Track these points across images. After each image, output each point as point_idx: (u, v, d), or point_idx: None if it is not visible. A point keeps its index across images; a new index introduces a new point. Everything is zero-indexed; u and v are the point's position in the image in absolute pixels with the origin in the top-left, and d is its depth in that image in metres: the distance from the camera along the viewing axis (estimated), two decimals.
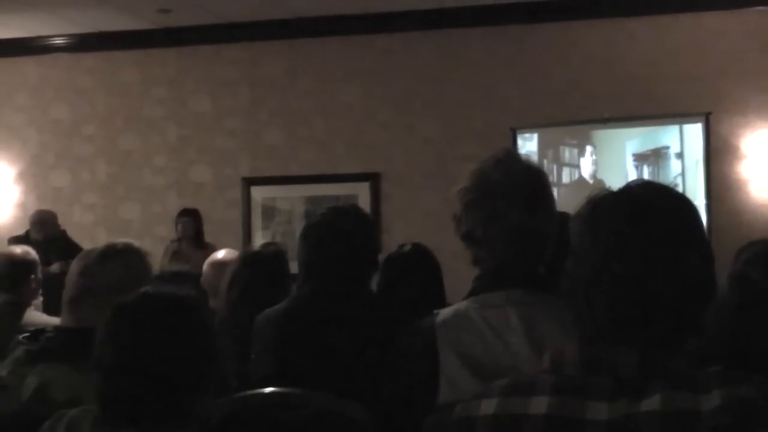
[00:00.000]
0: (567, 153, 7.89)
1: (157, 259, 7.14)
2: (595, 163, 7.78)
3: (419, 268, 3.67)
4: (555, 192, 2.16)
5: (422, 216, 8.08)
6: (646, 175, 7.54)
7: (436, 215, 7.84)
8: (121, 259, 2.36)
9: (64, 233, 7.79)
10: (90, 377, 1.83)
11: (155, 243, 7.69)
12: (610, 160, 7.73)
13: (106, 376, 1.78)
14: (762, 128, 7.63)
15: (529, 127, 7.89)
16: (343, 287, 2.67)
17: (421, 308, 2.30)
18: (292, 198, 8.57)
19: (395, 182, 8.33)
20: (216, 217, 8.44)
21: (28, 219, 7.92)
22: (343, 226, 2.70)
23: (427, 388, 1.82)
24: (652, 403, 1.24)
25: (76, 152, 9.05)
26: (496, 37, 8.13)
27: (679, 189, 6.32)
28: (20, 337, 2.33)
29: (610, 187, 1.43)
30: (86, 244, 5.81)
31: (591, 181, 7.74)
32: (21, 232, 7.94)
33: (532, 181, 1.94)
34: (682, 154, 7.58)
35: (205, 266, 4.22)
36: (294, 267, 2.94)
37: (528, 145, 7.88)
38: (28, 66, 9.13)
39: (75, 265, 2.36)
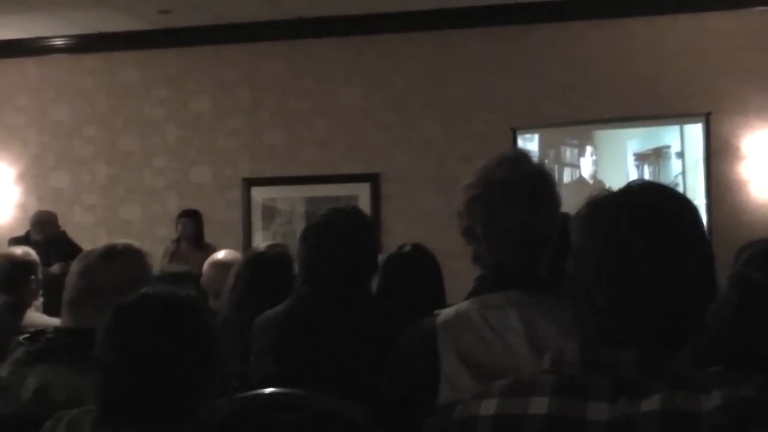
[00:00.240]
0: (568, 153, 7.89)
1: (158, 260, 7.14)
2: (596, 163, 7.78)
3: (419, 269, 3.67)
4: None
5: (422, 216, 8.08)
6: (646, 175, 7.53)
7: (436, 216, 7.85)
8: (122, 259, 2.36)
9: (64, 234, 7.78)
10: (90, 378, 1.82)
11: (155, 244, 7.69)
12: (611, 159, 7.73)
13: (106, 377, 1.78)
14: (762, 128, 7.63)
15: (530, 127, 7.89)
16: (342, 289, 2.67)
17: (421, 309, 2.30)
18: (292, 198, 8.58)
19: (395, 183, 8.33)
20: (216, 217, 8.44)
21: (29, 220, 7.91)
22: (343, 227, 2.71)
23: (428, 388, 1.82)
24: (651, 403, 1.24)
25: (76, 153, 9.05)
26: (496, 38, 8.13)
27: (680, 189, 6.34)
28: (20, 338, 2.33)
29: (610, 187, 1.43)
30: (86, 245, 5.81)
31: (591, 182, 7.73)
32: (21, 232, 7.94)
33: (536, 182, 1.94)
34: (682, 153, 7.58)
35: (205, 266, 4.22)
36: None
37: (529, 145, 7.87)
38: (28, 67, 9.13)
39: (75, 266, 2.36)
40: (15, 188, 9.18)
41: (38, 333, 2.33)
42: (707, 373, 1.27)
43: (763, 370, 1.37)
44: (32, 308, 4.10)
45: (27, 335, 2.33)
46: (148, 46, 8.80)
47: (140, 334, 1.77)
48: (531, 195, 1.91)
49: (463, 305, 1.91)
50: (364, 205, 8.00)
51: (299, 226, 2.70)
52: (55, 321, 2.99)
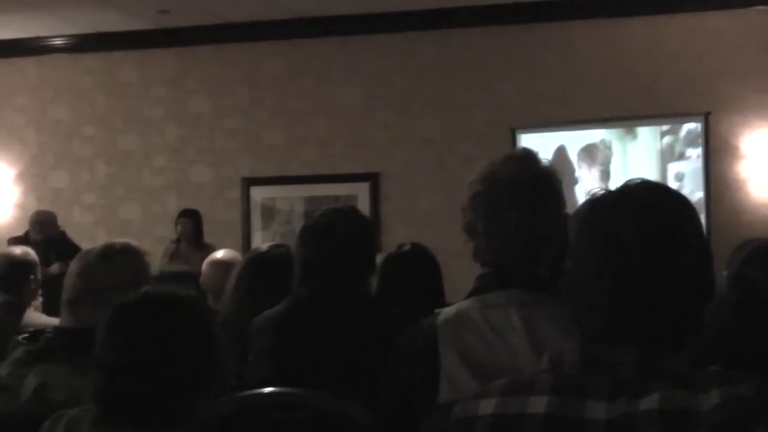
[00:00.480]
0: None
1: (156, 260, 7.14)
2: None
3: (418, 268, 3.67)
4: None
5: (422, 216, 8.08)
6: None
7: (436, 215, 7.85)
8: (120, 259, 2.36)
9: (63, 234, 7.78)
10: (89, 377, 1.82)
11: (155, 243, 7.69)
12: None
13: (105, 376, 1.78)
14: (761, 128, 7.63)
15: (529, 127, 7.89)
16: (340, 288, 2.67)
17: (420, 308, 2.30)
18: (291, 198, 8.58)
19: (395, 182, 8.33)
20: (216, 217, 8.44)
21: (28, 219, 7.91)
22: (340, 227, 2.70)
23: (428, 387, 1.82)
24: (650, 402, 1.24)
25: (75, 153, 9.05)
26: (495, 37, 8.13)
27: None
28: (20, 337, 2.33)
29: (607, 186, 1.43)
30: (86, 245, 5.81)
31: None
32: (20, 232, 7.94)
33: (541, 182, 1.94)
34: (682, 153, 7.60)
35: (205, 266, 4.22)
36: None
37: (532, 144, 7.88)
38: (27, 66, 9.13)
39: (74, 266, 2.36)
40: (14, 188, 9.18)
41: (37, 333, 2.33)
42: (706, 372, 1.27)
43: (762, 370, 1.38)
44: (31, 308, 4.10)
45: (26, 335, 2.34)
46: (147, 45, 8.80)
47: (140, 333, 1.77)
48: (534, 195, 1.91)
49: (464, 304, 1.91)
50: (364, 204, 8.00)
51: (299, 226, 2.71)
52: (54, 321, 2.99)
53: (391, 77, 8.35)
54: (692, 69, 7.68)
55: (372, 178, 8.37)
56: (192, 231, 7.68)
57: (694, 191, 7.34)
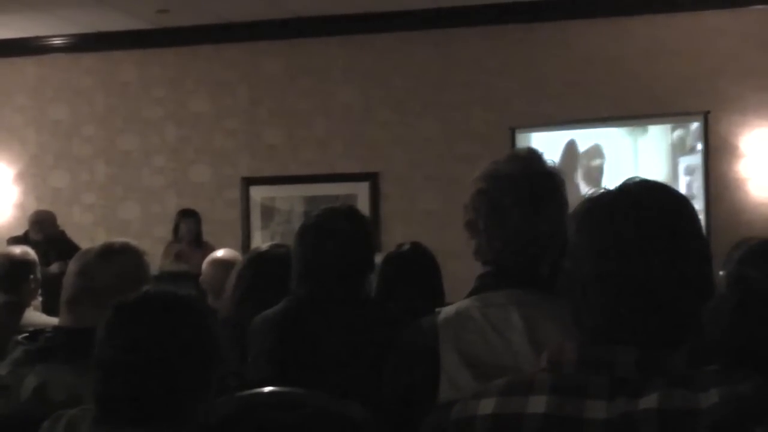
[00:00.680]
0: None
1: (156, 259, 7.15)
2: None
3: (418, 268, 3.66)
4: None
5: (421, 216, 8.09)
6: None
7: (436, 215, 7.86)
8: (119, 258, 2.36)
9: (63, 233, 7.79)
10: (89, 377, 1.82)
11: (154, 243, 7.70)
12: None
13: (104, 376, 1.77)
14: (761, 127, 7.63)
15: (528, 126, 7.89)
16: (338, 288, 2.66)
17: (420, 308, 2.30)
18: (291, 198, 8.58)
19: (394, 182, 8.34)
20: (215, 217, 8.45)
21: (27, 219, 7.92)
22: (339, 226, 2.69)
23: (428, 386, 1.82)
24: (649, 401, 1.24)
25: (75, 152, 9.05)
26: (495, 37, 8.13)
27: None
28: (19, 337, 2.33)
29: (606, 186, 1.43)
30: (85, 245, 5.79)
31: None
32: (20, 232, 7.95)
33: (544, 182, 1.94)
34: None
35: (205, 265, 4.21)
36: None
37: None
38: (27, 66, 9.13)
39: (73, 265, 2.36)
40: (14, 188, 9.18)
41: (37, 332, 2.33)
42: (705, 372, 1.27)
43: (761, 370, 1.38)
44: (31, 308, 4.10)
45: (26, 334, 2.33)
46: (146, 45, 8.80)
47: (140, 333, 1.77)
48: (537, 194, 1.91)
49: (464, 303, 1.91)
50: (363, 204, 8.01)
51: (298, 226, 2.70)
52: (53, 320, 2.99)
53: (391, 77, 8.35)
54: (691, 68, 7.69)
55: (371, 178, 8.37)
56: (196, 231, 7.73)
57: (703, 185, 7.37)
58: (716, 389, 1.22)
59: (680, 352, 1.30)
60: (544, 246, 1.91)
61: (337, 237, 2.67)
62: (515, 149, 1.94)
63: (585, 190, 7.44)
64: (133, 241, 2.47)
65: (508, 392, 1.34)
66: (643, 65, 7.76)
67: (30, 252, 4.25)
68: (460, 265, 2.38)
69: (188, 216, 7.79)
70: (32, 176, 9.15)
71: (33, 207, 8.51)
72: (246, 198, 8.66)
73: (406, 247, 3.77)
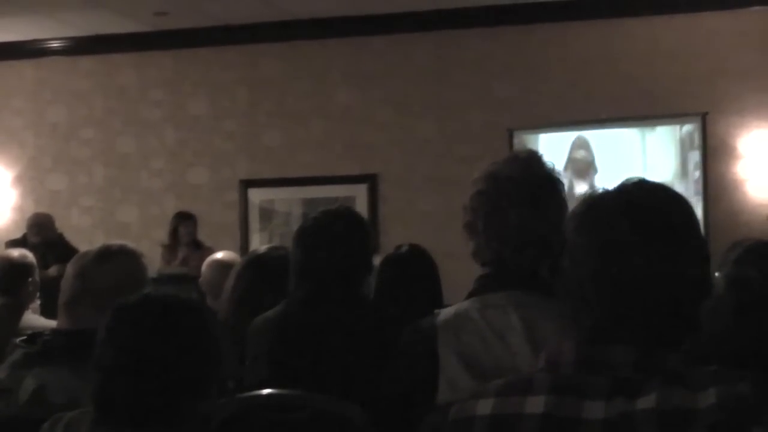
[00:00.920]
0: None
1: (154, 262, 7.14)
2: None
3: (416, 269, 3.67)
4: None
5: (420, 217, 8.09)
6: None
7: (434, 217, 7.85)
8: (117, 260, 2.36)
9: (61, 236, 7.79)
10: (88, 379, 1.82)
11: (153, 246, 7.69)
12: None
13: (104, 377, 1.77)
14: (759, 128, 7.64)
15: (527, 128, 7.89)
16: (337, 290, 2.66)
17: (418, 310, 2.30)
18: (289, 200, 8.58)
19: (393, 184, 8.34)
20: (214, 219, 8.44)
21: (26, 222, 7.91)
22: (337, 228, 2.69)
23: (427, 388, 1.82)
24: (648, 401, 1.24)
25: (73, 155, 9.05)
26: (493, 38, 8.13)
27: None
28: (18, 340, 2.33)
29: (604, 186, 1.43)
30: (84, 247, 5.78)
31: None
32: (18, 235, 7.94)
33: (543, 184, 1.94)
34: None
35: (204, 267, 4.21)
36: None
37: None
38: (25, 69, 9.13)
39: (71, 268, 2.36)
40: (12, 191, 9.18)
41: (35, 335, 2.33)
42: (703, 371, 1.27)
43: (760, 369, 1.38)
44: (29, 310, 4.11)
45: (24, 337, 2.34)
46: (144, 48, 8.80)
47: (140, 334, 1.77)
48: (535, 196, 1.91)
49: (463, 305, 1.91)
50: (362, 206, 8.01)
51: (297, 228, 2.69)
52: (52, 323, 2.99)
53: (389, 78, 8.35)
54: (689, 69, 7.69)
55: (370, 180, 8.37)
56: (194, 233, 7.74)
57: (702, 186, 7.39)
58: (714, 389, 1.22)
59: (678, 351, 1.30)
60: (543, 247, 1.91)
61: (335, 239, 2.67)
62: (514, 151, 1.94)
63: (571, 182, 7.49)
64: (131, 244, 2.47)
65: (506, 392, 1.34)
66: (641, 66, 7.77)
67: (28, 255, 4.25)
68: (459, 267, 2.38)
69: (186, 219, 7.79)
70: (30, 179, 9.14)
71: (31, 210, 8.50)
72: (244, 200, 8.66)
73: (405, 248, 3.78)
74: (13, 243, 7.19)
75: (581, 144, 7.79)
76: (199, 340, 1.81)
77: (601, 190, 1.40)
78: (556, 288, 1.41)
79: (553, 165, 2.00)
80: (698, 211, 6.94)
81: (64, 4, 7.83)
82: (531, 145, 7.70)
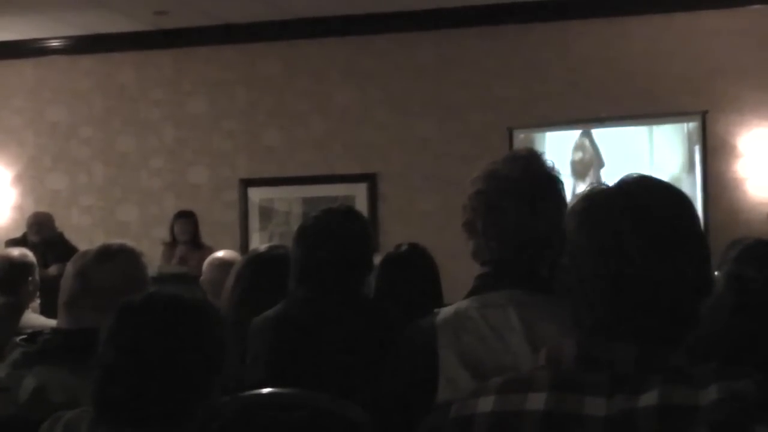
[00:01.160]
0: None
1: (154, 261, 7.14)
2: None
3: (416, 269, 3.66)
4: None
5: (419, 216, 8.08)
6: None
7: (434, 216, 7.85)
8: (117, 260, 2.36)
9: (61, 235, 7.79)
10: (88, 379, 1.82)
11: (153, 245, 7.70)
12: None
13: (105, 376, 1.77)
14: (759, 127, 7.64)
15: (526, 127, 7.89)
16: (337, 289, 2.66)
17: (418, 309, 2.30)
18: (289, 199, 8.57)
19: (392, 183, 8.34)
20: (213, 218, 8.44)
21: (26, 221, 7.92)
22: (337, 227, 2.69)
23: (427, 387, 1.82)
24: (649, 398, 1.24)
25: (73, 154, 9.05)
26: (492, 37, 8.13)
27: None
28: (18, 339, 2.33)
29: (604, 182, 1.43)
30: (83, 247, 5.78)
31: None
32: (18, 234, 7.94)
33: (542, 183, 1.93)
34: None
35: (205, 266, 4.21)
36: None
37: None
38: (24, 68, 9.13)
39: (70, 267, 2.36)
40: (12, 190, 9.18)
41: (35, 334, 2.33)
42: (705, 369, 1.27)
43: (760, 367, 1.38)
44: (29, 310, 4.11)
45: (24, 336, 2.33)
46: (144, 47, 8.79)
47: (143, 334, 1.77)
48: (535, 195, 1.91)
49: (463, 304, 1.90)
50: (361, 205, 8.01)
51: (297, 227, 2.69)
52: (52, 322, 2.99)
53: (389, 78, 8.35)
54: (689, 68, 7.69)
55: (370, 179, 8.37)
56: (191, 232, 7.71)
57: (701, 185, 7.40)
58: (716, 386, 1.22)
59: (679, 349, 1.30)
60: (543, 246, 1.90)
61: (335, 238, 2.67)
62: (514, 150, 1.93)
63: (570, 183, 7.50)
64: (130, 243, 2.47)
65: (507, 390, 1.34)
66: (641, 65, 7.77)
67: (28, 254, 4.25)
68: (459, 266, 2.38)
69: (181, 217, 7.79)
70: (30, 178, 9.14)
71: (31, 209, 8.50)
72: (244, 199, 8.66)
73: (405, 247, 3.77)
74: (13, 242, 7.19)
75: (578, 146, 7.78)
76: (203, 341, 1.80)
77: (600, 187, 1.40)
78: (556, 286, 1.41)
79: (553, 164, 1.99)
80: (698, 209, 6.94)
81: (64, 3, 7.82)
82: (537, 144, 7.72)
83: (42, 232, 7.59)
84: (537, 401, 1.29)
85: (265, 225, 8.63)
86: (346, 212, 2.80)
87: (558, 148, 7.73)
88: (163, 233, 8.11)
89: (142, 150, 8.90)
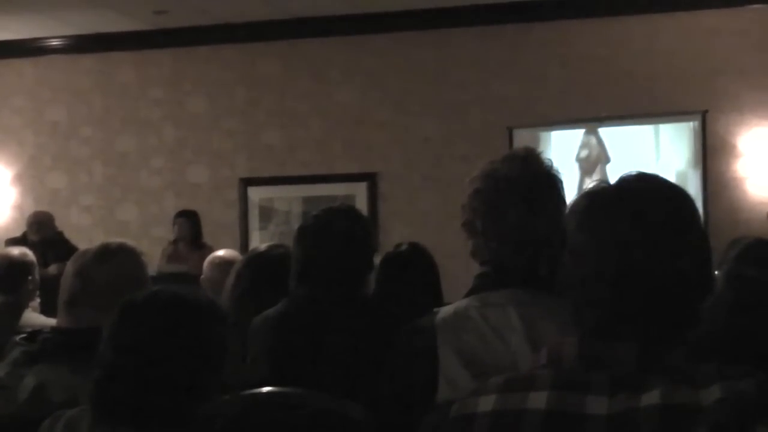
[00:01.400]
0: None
1: (154, 260, 7.14)
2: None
3: (416, 268, 3.66)
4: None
5: (419, 216, 8.09)
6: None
7: (434, 215, 7.86)
8: (116, 259, 2.36)
9: (61, 235, 7.78)
10: (88, 378, 1.82)
11: (152, 244, 7.70)
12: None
13: (107, 375, 1.77)
14: (758, 126, 7.64)
15: (526, 126, 7.90)
16: (338, 289, 2.66)
17: (418, 308, 2.30)
18: (289, 198, 8.58)
19: (392, 182, 8.34)
20: (213, 218, 8.44)
21: (26, 221, 7.91)
22: (338, 226, 2.69)
23: (427, 387, 1.81)
24: (651, 397, 1.23)
25: (73, 154, 9.05)
26: (492, 37, 8.13)
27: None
28: (17, 338, 2.33)
29: (605, 181, 1.42)
30: (83, 246, 5.79)
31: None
32: (18, 233, 7.94)
33: (541, 182, 1.93)
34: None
35: (206, 265, 4.20)
36: None
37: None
38: (24, 68, 9.13)
39: (70, 266, 2.35)
40: (12, 189, 9.18)
41: (35, 333, 2.33)
42: (706, 368, 1.26)
43: (760, 366, 1.38)
44: (29, 309, 4.11)
45: (24, 335, 2.33)
46: (144, 46, 8.80)
47: (145, 333, 1.76)
48: (534, 194, 1.91)
49: (463, 303, 1.90)
50: (361, 204, 8.01)
51: (297, 226, 2.69)
52: (52, 321, 2.99)
53: (388, 77, 8.35)
54: (689, 67, 7.69)
55: (369, 178, 8.37)
56: (189, 231, 7.69)
57: (701, 184, 7.40)
58: (718, 386, 1.22)
59: (680, 348, 1.30)
60: (542, 245, 1.90)
61: (336, 237, 2.67)
62: (512, 149, 1.93)
63: (577, 180, 7.50)
64: (130, 242, 2.47)
65: (508, 389, 1.33)
66: (640, 65, 7.77)
67: (28, 253, 4.25)
68: (459, 265, 2.38)
69: (180, 216, 7.78)
70: (30, 177, 9.14)
71: (31, 208, 8.50)
72: (244, 199, 8.66)
73: (405, 247, 3.77)
74: (13, 241, 7.20)
75: (584, 144, 7.79)
76: (204, 340, 1.80)
77: (601, 186, 1.40)
78: (557, 286, 1.41)
79: (552, 162, 1.99)
80: (699, 207, 6.94)
81: (64, 2, 7.82)
82: (543, 143, 7.72)
83: (42, 232, 7.59)
84: (538, 400, 1.29)
85: (265, 224, 8.63)
86: (346, 211, 2.80)
87: (565, 145, 7.74)
88: (162, 233, 8.12)
89: (141, 149, 8.90)
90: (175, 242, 7.75)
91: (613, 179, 1.41)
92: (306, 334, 2.63)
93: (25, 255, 4.20)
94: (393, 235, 7.21)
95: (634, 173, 1.39)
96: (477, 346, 1.82)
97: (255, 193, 8.66)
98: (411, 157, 8.28)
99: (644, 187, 1.37)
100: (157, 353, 1.75)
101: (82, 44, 8.88)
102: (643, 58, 7.77)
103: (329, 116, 8.49)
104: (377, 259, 3.40)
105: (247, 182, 8.66)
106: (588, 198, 1.38)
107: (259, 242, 7.66)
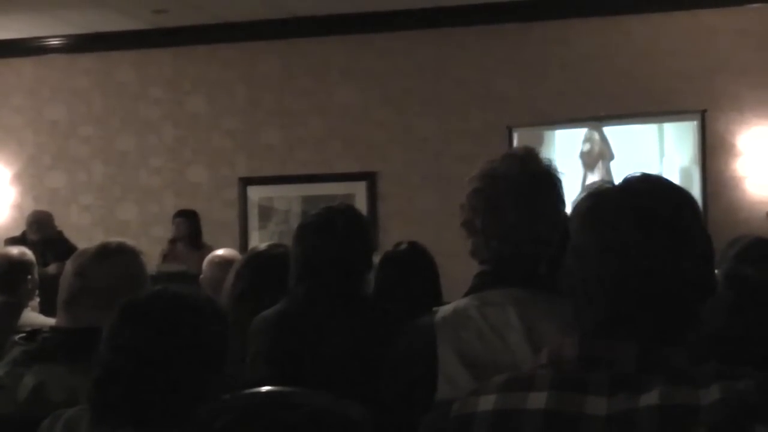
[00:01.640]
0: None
1: (153, 260, 7.14)
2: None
3: (416, 267, 3.66)
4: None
5: (419, 215, 8.09)
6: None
7: (433, 214, 7.85)
8: (116, 258, 2.36)
9: (60, 234, 7.78)
10: (87, 377, 1.82)
11: (152, 244, 7.70)
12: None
13: (107, 375, 1.77)
14: (758, 125, 7.64)
15: (526, 125, 7.90)
16: (337, 288, 2.66)
17: (418, 307, 2.30)
18: (289, 198, 8.57)
19: (392, 181, 8.34)
20: (213, 217, 8.44)
21: (25, 220, 7.92)
22: (337, 225, 2.69)
23: (427, 386, 1.81)
24: (650, 397, 1.23)
25: (72, 153, 9.05)
26: (492, 36, 8.13)
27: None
28: (17, 337, 2.33)
29: (609, 181, 1.42)
30: (83, 245, 5.79)
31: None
32: (18, 233, 7.94)
33: (539, 180, 1.93)
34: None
35: (205, 265, 4.20)
36: None
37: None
38: (24, 67, 9.13)
39: (69, 266, 2.35)
40: (11, 188, 9.18)
41: (35, 332, 2.33)
42: (706, 368, 1.27)
43: (760, 366, 1.38)
44: (29, 308, 4.11)
45: (23, 335, 2.33)
46: (143, 45, 8.79)
47: (145, 333, 1.76)
48: (533, 193, 1.91)
49: (462, 302, 1.90)
50: (361, 203, 8.01)
51: (296, 226, 2.70)
52: (51, 321, 2.99)
53: (388, 76, 8.35)
54: (689, 67, 7.69)
55: (369, 178, 8.37)
56: (188, 231, 7.69)
57: (700, 183, 7.40)
58: (717, 386, 1.22)
59: (680, 348, 1.30)
60: (542, 244, 1.90)
61: (335, 236, 2.67)
62: (512, 148, 1.92)
63: (580, 175, 7.51)
64: (130, 241, 2.46)
65: (508, 388, 1.33)
66: (640, 64, 7.77)
67: (27, 252, 4.25)
68: (458, 264, 2.37)
69: (179, 216, 7.78)
70: (30, 177, 9.14)
71: (30, 207, 8.50)
72: (244, 198, 8.66)
73: (404, 246, 3.77)
74: (13, 240, 7.20)
75: (587, 138, 7.80)
76: (204, 340, 1.80)
77: (604, 186, 1.39)
78: (558, 285, 1.41)
79: (550, 161, 1.99)
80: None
81: (64, 1, 7.82)
82: (546, 141, 7.73)
83: (41, 231, 7.59)
84: (538, 400, 1.29)
85: (265, 224, 8.63)
86: (346, 210, 2.80)
87: (568, 143, 7.74)
88: (162, 232, 8.12)
89: (141, 149, 8.90)
90: (174, 241, 7.75)
91: (617, 177, 1.41)
92: (305, 333, 2.63)
93: (24, 254, 4.20)
94: (392, 234, 7.21)
95: (639, 174, 1.39)
96: (476, 345, 1.82)
97: (254, 193, 8.66)
98: (411, 156, 8.28)
99: (648, 189, 1.37)
100: (157, 353, 1.74)
101: (81, 43, 8.88)
102: (642, 57, 7.78)
103: (329, 115, 8.49)
104: (376, 259, 3.40)
105: (247, 182, 8.66)
106: (592, 198, 1.38)
107: (258, 242, 7.65)
